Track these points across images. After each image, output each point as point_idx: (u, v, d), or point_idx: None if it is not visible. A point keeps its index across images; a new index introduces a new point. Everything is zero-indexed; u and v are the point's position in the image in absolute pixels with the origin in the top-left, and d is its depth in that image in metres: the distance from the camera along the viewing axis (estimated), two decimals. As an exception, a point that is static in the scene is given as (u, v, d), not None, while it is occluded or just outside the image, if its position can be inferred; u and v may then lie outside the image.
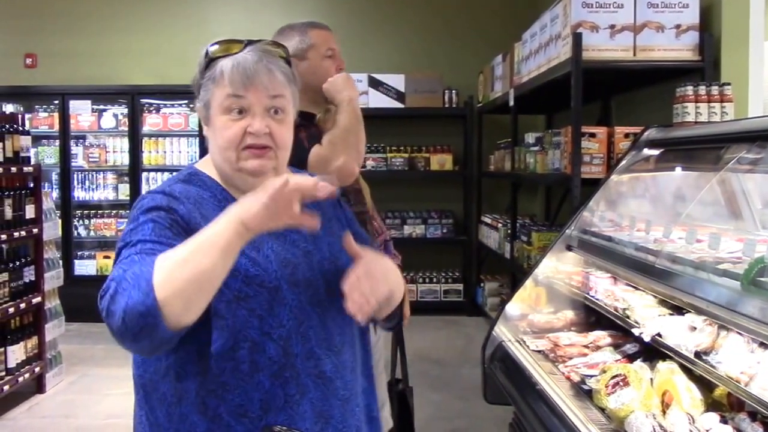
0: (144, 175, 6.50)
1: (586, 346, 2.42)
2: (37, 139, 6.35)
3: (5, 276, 4.05)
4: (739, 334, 1.70)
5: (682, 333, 1.87)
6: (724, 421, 1.69)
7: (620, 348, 2.31)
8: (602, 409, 1.93)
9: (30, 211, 4.31)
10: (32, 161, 4.64)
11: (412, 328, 3.25)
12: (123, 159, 6.51)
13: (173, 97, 6.56)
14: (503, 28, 6.19)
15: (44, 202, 4.49)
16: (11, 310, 4.05)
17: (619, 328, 2.31)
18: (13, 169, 4.17)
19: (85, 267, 6.48)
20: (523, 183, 5.50)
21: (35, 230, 4.36)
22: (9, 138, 4.20)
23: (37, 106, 6.70)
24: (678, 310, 2.03)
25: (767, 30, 3.32)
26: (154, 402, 1.30)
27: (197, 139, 6.43)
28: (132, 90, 6.43)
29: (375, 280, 1.24)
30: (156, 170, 6.50)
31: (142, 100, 6.51)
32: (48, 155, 6.51)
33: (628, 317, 2.16)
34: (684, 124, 2.81)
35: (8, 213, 4.10)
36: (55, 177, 6.52)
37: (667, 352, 1.90)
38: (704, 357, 1.74)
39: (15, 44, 6.78)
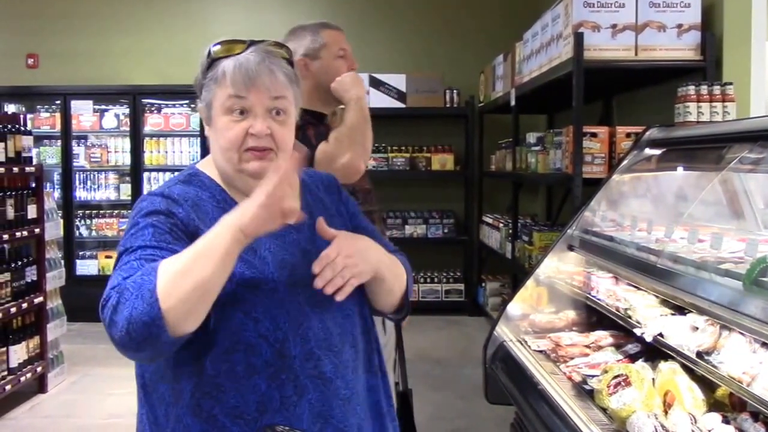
0: (145, 175, 6.50)
1: (587, 346, 2.42)
2: (39, 140, 6.36)
3: (7, 276, 4.06)
4: (741, 334, 1.70)
5: (683, 333, 1.87)
6: (726, 421, 1.69)
7: (622, 348, 2.31)
8: (604, 410, 1.93)
9: (32, 211, 4.32)
10: (34, 161, 4.65)
11: (413, 328, 3.25)
12: (124, 159, 6.52)
13: (174, 97, 6.56)
14: (504, 28, 6.18)
15: (46, 202, 4.50)
16: (13, 309, 4.06)
17: (620, 328, 2.31)
18: (15, 170, 4.18)
19: (86, 267, 6.49)
20: (524, 183, 5.49)
21: (37, 230, 4.37)
22: (11, 138, 4.21)
23: (38, 107, 6.71)
24: (680, 310, 2.02)
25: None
26: (154, 401, 1.31)
27: (199, 139, 6.44)
28: (133, 90, 6.44)
29: (349, 258, 1.26)
30: (157, 170, 6.50)
31: (143, 100, 6.52)
32: (50, 155, 6.52)
33: (629, 317, 2.16)
34: (686, 124, 2.80)
35: (10, 213, 4.11)
36: (56, 177, 6.53)
37: (668, 352, 1.90)
38: (706, 357, 1.73)
39: (17, 45, 6.79)
